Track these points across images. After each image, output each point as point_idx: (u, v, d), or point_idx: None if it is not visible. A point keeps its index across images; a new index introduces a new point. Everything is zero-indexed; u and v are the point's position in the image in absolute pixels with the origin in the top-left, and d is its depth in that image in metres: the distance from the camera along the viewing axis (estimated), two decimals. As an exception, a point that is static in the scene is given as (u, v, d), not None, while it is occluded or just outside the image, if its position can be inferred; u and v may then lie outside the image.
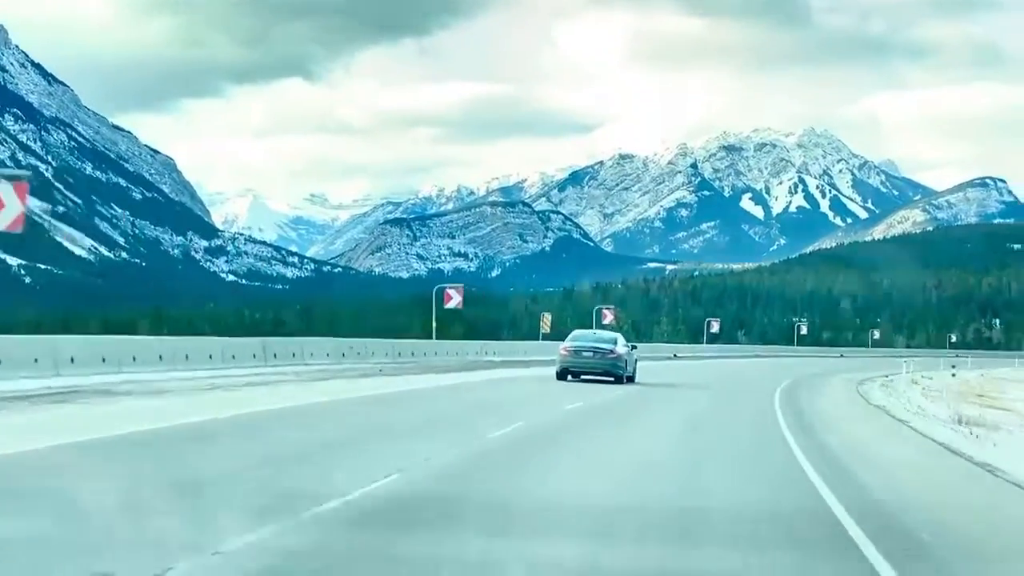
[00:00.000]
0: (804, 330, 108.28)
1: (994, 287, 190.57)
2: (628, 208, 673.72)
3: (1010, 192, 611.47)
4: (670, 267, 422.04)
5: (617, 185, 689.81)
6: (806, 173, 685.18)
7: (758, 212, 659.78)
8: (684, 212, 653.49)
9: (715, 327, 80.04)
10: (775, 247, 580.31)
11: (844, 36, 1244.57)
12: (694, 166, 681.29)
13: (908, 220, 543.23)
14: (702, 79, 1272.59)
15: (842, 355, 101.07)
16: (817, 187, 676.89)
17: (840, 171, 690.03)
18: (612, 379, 34.04)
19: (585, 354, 34.63)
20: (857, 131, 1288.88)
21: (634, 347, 38.42)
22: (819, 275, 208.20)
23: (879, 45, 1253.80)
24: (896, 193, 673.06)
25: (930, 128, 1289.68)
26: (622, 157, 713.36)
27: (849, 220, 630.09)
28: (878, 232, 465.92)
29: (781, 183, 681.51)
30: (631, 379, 35.31)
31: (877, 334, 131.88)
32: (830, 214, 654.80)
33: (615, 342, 36.01)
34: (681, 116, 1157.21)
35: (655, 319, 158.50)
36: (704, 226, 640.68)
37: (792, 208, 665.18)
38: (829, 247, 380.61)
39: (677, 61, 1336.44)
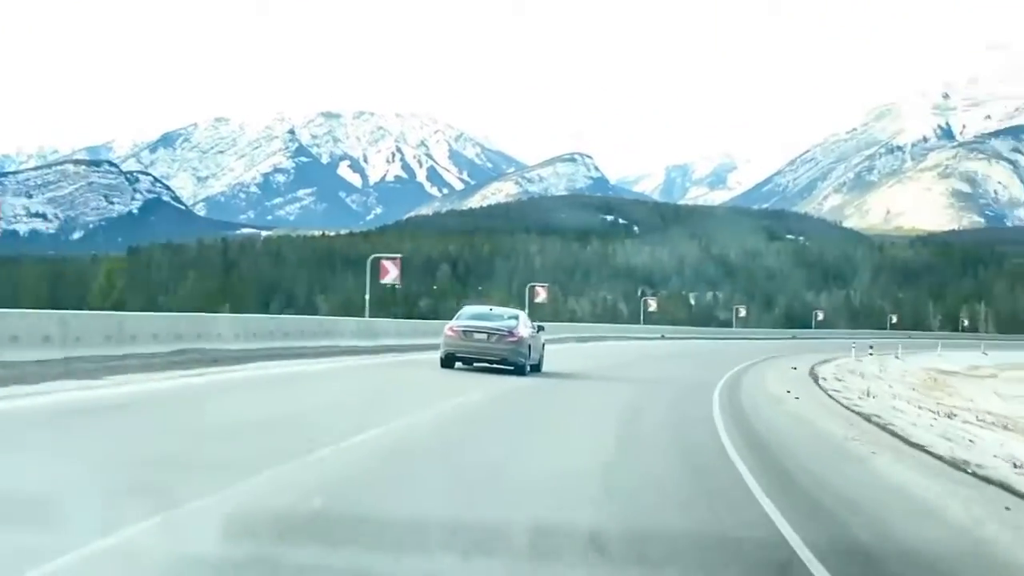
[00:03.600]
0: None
1: (599, 254, 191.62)
2: (223, 172, 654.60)
3: (597, 168, 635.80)
4: (265, 233, 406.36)
5: (212, 148, 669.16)
6: (404, 143, 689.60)
7: (356, 180, 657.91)
8: (281, 178, 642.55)
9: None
10: (372, 216, 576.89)
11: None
12: (292, 132, 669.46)
13: (501, 192, 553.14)
14: (303, 45, 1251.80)
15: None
16: (414, 157, 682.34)
17: (437, 142, 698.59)
18: (512, 368, 27.53)
19: (478, 336, 27.96)
20: (454, 103, 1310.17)
21: (541, 328, 30.77)
22: (415, 241, 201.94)
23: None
24: (491, 165, 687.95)
25: (523, 102, 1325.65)
26: (217, 120, 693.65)
27: (445, 191, 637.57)
28: (473, 203, 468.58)
29: (379, 152, 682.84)
30: (536, 368, 28.84)
31: (474, 291, 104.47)
32: (427, 184, 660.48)
33: (516, 320, 28.99)
34: (280, 81, 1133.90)
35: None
36: (301, 193, 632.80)
37: (390, 177, 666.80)
38: (426, 215, 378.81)
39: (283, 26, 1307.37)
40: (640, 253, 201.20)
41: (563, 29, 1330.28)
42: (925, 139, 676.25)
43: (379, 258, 50.22)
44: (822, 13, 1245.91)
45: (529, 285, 66.53)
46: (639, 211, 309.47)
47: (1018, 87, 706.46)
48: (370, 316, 45.64)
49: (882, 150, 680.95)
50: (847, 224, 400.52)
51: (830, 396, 27.53)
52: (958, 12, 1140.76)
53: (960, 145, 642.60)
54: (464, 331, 27.91)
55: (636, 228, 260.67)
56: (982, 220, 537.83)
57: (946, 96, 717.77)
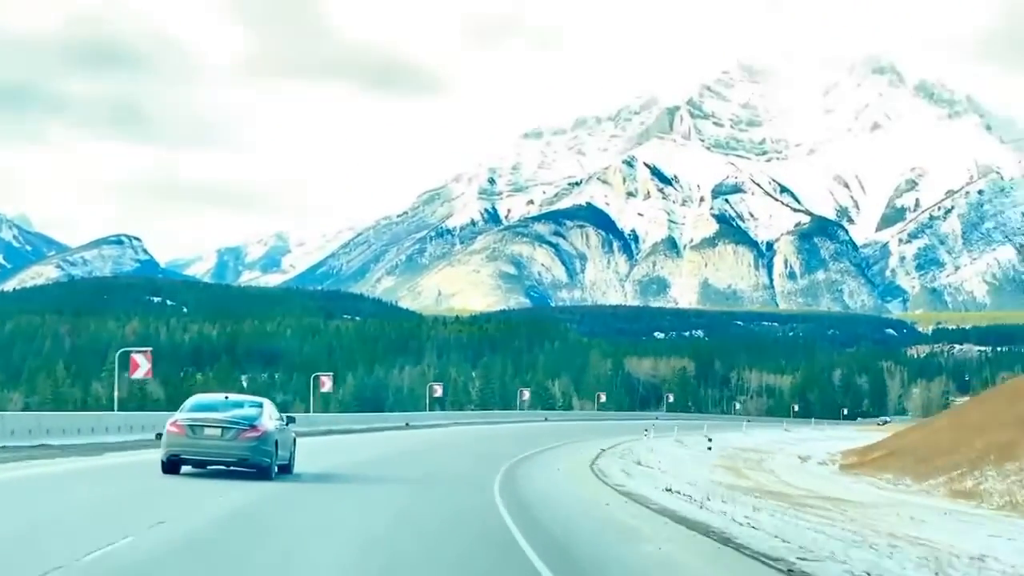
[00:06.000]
0: None
1: (140, 334, 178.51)
2: None
3: (145, 250, 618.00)
4: None
5: None
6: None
7: None
8: None
9: None
10: None
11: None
12: None
13: (42, 276, 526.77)
14: None
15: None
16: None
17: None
18: (255, 471, 21.72)
19: (209, 432, 21.49)
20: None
21: (291, 420, 24.97)
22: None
23: (16, 95, 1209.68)
24: (30, 248, 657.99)
25: (67, 183, 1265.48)
26: None
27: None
28: (8, 287, 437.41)
29: None
30: (287, 469, 23.47)
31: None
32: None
33: (259, 409, 22.56)
34: None
35: None
36: None
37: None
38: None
39: None
40: (187, 333, 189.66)
41: (104, 103, 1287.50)
42: (474, 223, 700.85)
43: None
44: (370, 95, 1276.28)
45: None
46: (188, 293, 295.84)
47: (554, 173, 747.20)
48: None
49: (432, 233, 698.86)
50: (402, 305, 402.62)
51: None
52: (499, 100, 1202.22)
53: (506, 229, 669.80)
54: (191, 426, 21.87)
55: (185, 309, 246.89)
56: (528, 301, 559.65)
57: (492, 181, 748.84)
